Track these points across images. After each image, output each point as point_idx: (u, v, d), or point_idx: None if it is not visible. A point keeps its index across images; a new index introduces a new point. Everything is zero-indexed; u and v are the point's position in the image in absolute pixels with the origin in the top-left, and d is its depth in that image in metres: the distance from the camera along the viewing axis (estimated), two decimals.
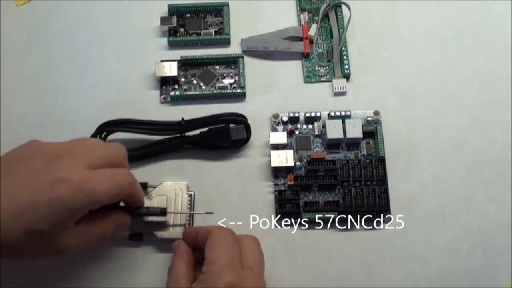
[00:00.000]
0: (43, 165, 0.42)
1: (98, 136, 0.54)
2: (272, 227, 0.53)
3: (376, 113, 0.56)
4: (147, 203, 0.52)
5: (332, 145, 0.55)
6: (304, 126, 0.56)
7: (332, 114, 0.56)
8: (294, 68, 0.59)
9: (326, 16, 0.61)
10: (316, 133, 0.56)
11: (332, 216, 0.52)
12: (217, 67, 0.59)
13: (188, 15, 0.61)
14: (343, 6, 0.60)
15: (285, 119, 0.56)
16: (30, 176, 0.42)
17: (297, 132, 0.56)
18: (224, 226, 0.48)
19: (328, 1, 0.61)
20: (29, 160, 0.43)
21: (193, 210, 0.52)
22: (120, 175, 0.45)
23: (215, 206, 0.53)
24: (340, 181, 0.53)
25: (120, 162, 0.46)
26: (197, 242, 0.47)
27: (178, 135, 0.54)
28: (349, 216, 0.52)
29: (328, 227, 0.53)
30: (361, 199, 0.52)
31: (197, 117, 0.55)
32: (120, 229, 0.49)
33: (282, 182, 0.54)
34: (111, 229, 0.47)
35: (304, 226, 0.53)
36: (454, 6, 0.61)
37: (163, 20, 0.60)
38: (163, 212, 0.50)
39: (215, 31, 0.60)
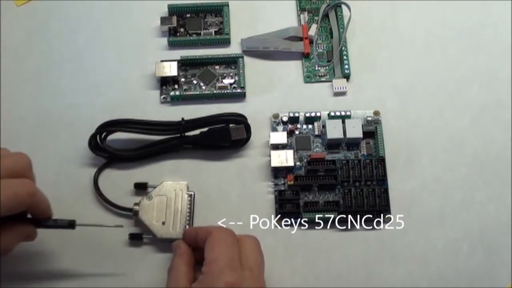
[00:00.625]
0: None
1: (98, 136, 0.54)
2: (272, 227, 0.53)
3: (376, 113, 0.56)
4: (147, 203, 0.52)
5: (332, 145, 0.55)
6: (304, 126, 0.56)
7: (332, 114, 0.56)
8: (294, 68, 0.59)
9: (326, 16, 0.61)
10: (316, 133, 0.56)
11: (332, 216, 0.52)
12: (217, 67, 0.59)
13: (188, 15, 0.61)
14: (343, 6, 0.60)
15: (285, 119, 0.56)
16: None
17: (297, 132, 0.56)
18: (224, 226, 0.48)
19: (328, 1, 0.61)
20: None
21: (193, 210, 0.52)
22: (18, 186, 0.43)
23: (215, 206, 0.53)
24: (340, 181, 0.53)
25: (22, 172, 0.44)
26: (196, 243, 0.47)
27: (178, 135, 0.54)
28: (349, 216, 0.52)
29: (328, 227, 0.53)
30: (361, 199, 0.52)
31: (197, 117, 0.55)
32: (27, 241, 0.47)
33: (282, 182, 0.54)
34: (15, 242, 0.45)
35: (304, 226, 0.53)
36: (454, 6, 0.61)
37: (163, 20, 0.60)
38: (71, 224, 0.48)
39: (215, 31, 0.60)
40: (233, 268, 0.44)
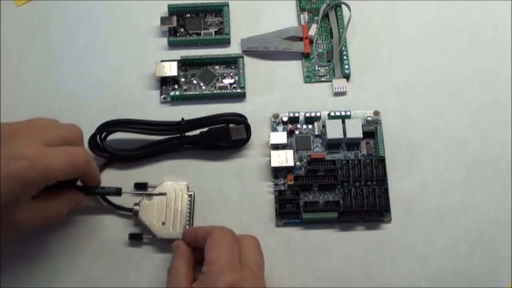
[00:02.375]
0: None
1: (98, 136, 0.54)
2: (272, 227, 0.53)
3: (376, 113, 0.56)
4: (147, 203, 0.52)
5: (332, 145, 0.55)
6: (304, 126, 0.56)
7: (332, 114, 0.56)
8: (294, 68, 0.59)
9: (326, 16, 0.61)
10: (316, 133, 0.56)
11: (332, 216, 0.52)
12: (217, 67, 0.59)
13: (188, 15, 0.61)
14: (343, 6, 0.60)
15: (285, 119, 0.56)
16: None
17: (297, 132, 0.56)
18: (224, 226, 0.48)
19: (328, 1, 0.61)
20: None
21: (193, 211, 0.52)
22: (75, 153, 0.46)
23: (215, 206, 0.53)
24: (340, 181, 0.53)
25: (75, 141, 0.48)
26: (196, 242, 0.47)
27: (178, 135, 0.54)
28: (349, 216, 0.52)
29: (328, 227, 0.53)
30: (361, 199, 0.52)
31: (197, 117, 0.55)
32: (77, 207, 0.50)
33: (282, 182, 0.54)
34: (66, 207, 0.48)
35: (304, 226, 0.53)
36: (454, 6, 0.61)
37: (163, 20, 0.60)
38: (118, 191, 0.51)
39: (215, 31, 0.60)
40: (233, 268, 0.44)
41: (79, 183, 0.50)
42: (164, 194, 0.52)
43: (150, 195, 0.52)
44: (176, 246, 0.48)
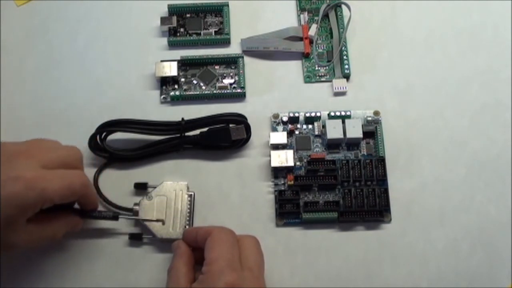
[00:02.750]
0: None
1: (98, 136, 0.54)
2: (272, 227, 0.53)
3: (376, 113, 0.56)
4: (147, 203, 0.52)
5: (332, 145, 0.55)
6: (304, 126, 0.56)
7: (332, 114, 0.56)
8: (294, 68, 0.59)
9: (326, 16, 0.61)
10: (316, 133, 0.56)
11: (332, 216, 0.52)
12: (217, 67, 0.59)
13: (188, 15, 0.61)
14: (343, 6, 0.60)
15: (285, 119, 0.56)
16: None
17: (297, 132, 0.56)
18: (224, 226, 0.48)
19: (328, 1, 0.61)
20: None
21: (193, 211, 0.52)
22: (73, 176, 0.46)
23: (215, 206, 0.53)
24: (340, 181, 0.53)
25: (75, 164, 0.48)
26: (196, 242, 0.47)
27: (178, 135, 0.54)
28: (349, 216, 0.52)
29: (328, 227, 0.53)
30: (361, 199, 0.52)
31: (197, 117, 0.55)
32: (73, 231, 0.50)
33: (282, 182, 0.54)
34: (62, 231, 0.48)
35: (304, 226, 0.53)
36: (454, 6, 0.61)
37: (163, 20, 0.60)
38: (114, 216, 0.50)
39: (215, 31, 0.60)
40: (233, 268, 0.44)
41: (76, 205, 0.50)
42: (163, 195, 0.52)
43: (149, 193, 0.52)
44: (176, 246, 0.48)
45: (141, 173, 0.54)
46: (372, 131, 0.55)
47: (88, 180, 0.48)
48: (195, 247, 0.48)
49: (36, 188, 0.43)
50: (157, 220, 0.51)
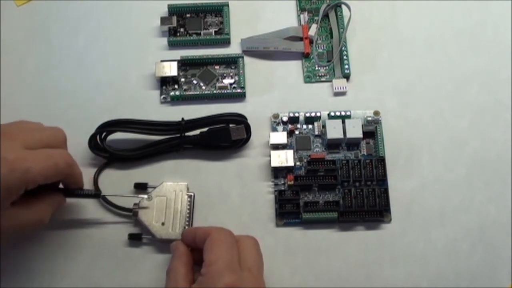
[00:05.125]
0: None
1: (98, 136, 0.54)
2: (272, 227, 0.53)
3: (376, 113, 0.56)
4: (146, 203, 0.52)
5: (332, 145, 0.55)
6: (304, 126, 0.56)
7: (332, 114, 0.56)
8: (294, 68, 0.59)
9: (326, 16, 0.61)
10: (316, 133, 0.56)
11: (332, 216, 0.52)
12: (217, 67, 0.59)
13: (188, 15, 0.61)
14: (343, 6, 0.60)
15: (285, 119, 0.56)
16: None
17: (297, 132, 0.56)
18: (223, 227, 0.48)
19: (328, 1, 0.61)
20: None
21: (193, 212, 0.52)
22: (57, 155, 0.45)
23: (215, 206, 0.53)
24: (340, 181, 0.53)
25: (58, 145, 0.47)
26: (195, 243, 0.47)
27: (178, 135, 0.54)
28: (349, 216, 0.52)
29: (328, 227, 0.53)
30: (361, 199, 0.52)
31: (197, 117, 0.55)
32: (58, 212, 0.49)
33: (282, 182, 0.54)
34: (48, 212, 0.47)
35: (304, 226, 0.53)
36: (454, 6, 0.61)
37: (163, 20, 0.60)
38: (97, 194, 0.51)
39: (215, 31, 0.60)
40: (232, 269, 0.43)
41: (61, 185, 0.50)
42: (162, 196, 0.52)
43: (149, 194, 0.52)
44: (175, 247, 0.48)
45: (141, 173, 0.54)
46: (372, 131, 0.55)
47: (73, 159, 0.47)
48: (194, 248, 0.48)
49: (19, 169, 0.42)
50: (156, 222, 0.51)
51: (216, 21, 0.60)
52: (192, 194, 0.53)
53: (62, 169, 0.46)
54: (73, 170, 0.48)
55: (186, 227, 0.51)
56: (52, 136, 0.47)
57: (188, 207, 0.52)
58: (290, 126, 0.56)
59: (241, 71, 0.58)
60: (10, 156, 0.42)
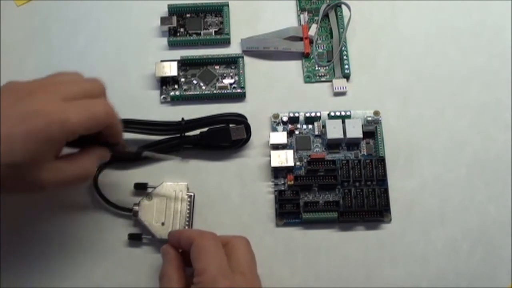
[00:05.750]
0: (16, 99, 0.42)
1: None
2: (272, 227, 0.53)
3: (376, 113, 0.56)
4: (146, 203, 0.52)
5: (332, 145, 0.55)
6: (304, 126, 0.56)
7: (332, 114, 0.56)
8: (294, 68, 0.59)
9: (326, 16, 0.61)
10: (316, 133, 0.56)
11: (332, 216, 0.52)
12: (217, 67, 0.59)
13: (188, 15, 0.61)
14: (343, 6, 0.60)
15: (285, 119, 0.56)
16: (3, 111, 0.41)
17: (297, 132, 0.56)
18: (204, 230, 0.48)
19: (328, 1, 0.61)
20: (3, 97, 0.42)
21: (193, 212, 0.52)
22: (96, 105, 0.44)
23: (215, 206, 0.53)
24: (340, 181, 0.53)
25: (97, 96, 0.46)
26: (181, 247, 0.47)
27: (178, 135, 0.54)
28: (349, 216, 0.52)
29: (328, 227, 0.53)
30: (361, 199, 0.52)
31: (197, 117, 0.55)
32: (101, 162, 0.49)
33: (282, 182, 0.54)
34: (93, 165, 0.46)
35: (304, 226, 0.53)
36: (454, 6, 0.61)
37: (163, 20, 0.60)
38: (138, 153, 0.50)
39: (215, 31, 0.60)
40: (224, 275, 0.43)
41: None
42: (162, 196, 0.52)
43: (149, 194, 0.52)
44: (166, 251, 0.47)
45: (141, 173, 0.54)
46: (372, 131, 0.55)
47: (112, 109, 0.46)
48: (183, 250, 0.47)
49: (57, 121, 0.41)
50: (156, 222, 0.51)
51: (216, 21, 0.60)
52: (192, 194, 0.53)
53: (102, 120, 0.44)
54: (113, 121, 0.46)
55: (186, 227, 0.51)
56: (91, 87, 0.46)
57: (188, 207, 0.52)
58: (290, 126, 0.56)
59: (241, 71, 0.58)
60: (48, 108, 0.41)
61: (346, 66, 0.58)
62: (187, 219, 0.52)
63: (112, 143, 0.48)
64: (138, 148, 0.51)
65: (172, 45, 0.60)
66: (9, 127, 0.41)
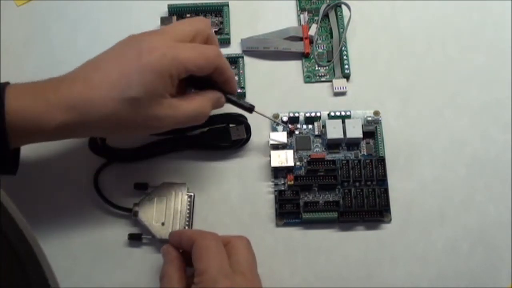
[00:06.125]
0: (131, 42, 0.46)
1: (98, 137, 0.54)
2: (272, 227, 0.53)
3: (376, 113, 0.56)
4: (146, 203, 0.52)
5: (332, 145, 0.55)
6: (304, 126, 0.56)
7: (332, 114, 0.56)
8: (294, 68, 0.59)
9: (326, 16, 0.61)
10: (316, 133, 0.56)
11: (332, 216, 0.52)
12: None
13: (188, 15, 0.61)
14: (343, 6, 0.60)
15: (285, 119, 0.56)
16: (119, 53, 0.46)
17: (297, 132, 0.56)
18: (205, 231, 0.48)
19: (328, 1, 0.61)
20: (120, 43, 0.47)
21: (193, 212, 0.52)
22: (206, 47, 0.47)
23: (215, 206, 0.53)
24: (340, 181, 0.53)
25: (205, 29, 0.48)
26: (182, 247, 0.47)
27: (178, 135, 0.54)
28: (349, 216, 0.52)
29: (328, 227, 0.53)
30: (361, 199, 0.52)
31: None
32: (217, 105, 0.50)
33: (282, 182, 0.54)
34: (208, 107, 0.48)
35: (304, 226, 0.53)
36: (454, 6, 0.61)
37: (163, 20, 0.60)
38: (250, 108, 0.52)
39: (215, 31, 0.60)
40: (225, 275, 0.43)
41: None
42: (162, 196, 0.52)
43: (149, 194, 0.52)
44: (166, 252, 0.48)
45: (141, 173, 0.54)
46: (372, 131, 0.55)
47: (221, 53, 0.48)
48: (184, 250, 0.47)
49: (169, 54, 0.44)
50: (156, 222, 0.51)
51: (216, 21, 0.60)
52: (192, 194, 0.53)
53: (212, 60, 0.47)
54: (222, 62, 0.48)
55: (186, 227, 0.51)
56: (200, 26, 0.48)
57: (188, 207, 0.52)
58: (290, 126, 0.56)
59: (241, 71, 0.58)
60: (160, 44, 0.45)
61: (346, 66, 0.58)
62: (187, 219, 0.52)
63: (226, 91, 0.50)
64: (250, 104, 0.52)
65: None
66: (125, 65, 0.44)
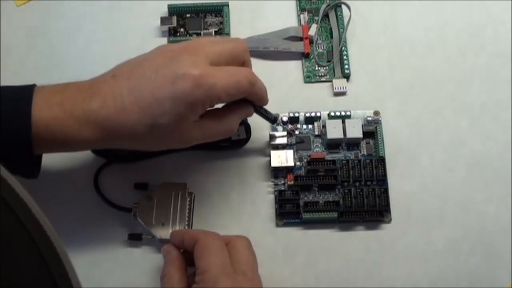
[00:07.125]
0: (164, 61, 0.44)
1: None
2: (272, 227, 0.53)
3: (376, 113, 0.56)
4: (146, 203, 0.52)
5: (332, 145, 0.55)
6: (304, 126, 0.56)
7: (332, 114, 0.56)
8: (294, 68, 0.59)
9: (326, 16, 0.61)
10: (316, 133, 0.56)
11: (332, 216, 0.52)
12: None
13: (188, 15, 0.61)
14: (343, 6, 0.60)
15: (285, 119, 0.56)
16: (152, 73, 0.44)
17: (297, 132, 0.56)
18: (208, 230, 0.48)
19: (328, 1, 0.61)
20: (152, 59, 0.45)
21: (193, 212, 0.52)
22: (240, 74, 0.46)
23: (215, 206, 0.53)
24: (340, 181, 0.53)
25: (241, 55, 0.47)
26: (184, 247, 0.47)
27: None
28: (349, 216, 0.52)
29: (328, 227, 0.53)
30: (361, 199, 0.52)
31: None
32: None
33: (282, 182, 0.54)
34: (237, 122, 0.48)
35: (304, 226, 0.53)
36: (454, 6, 0.61)
37: (163, 20, 0.60)
38: (274, 119, 0.52)
39: (215, 31, 0.60)
40: (226, 274, 0.43)
41: None
42: (162, 196, 0.52)
43: (149, 194, 0.52)
44: (167, 252, 0.47)
45: (141, 173, 0.54)
46: (372, 131, 0.55)
47: (256, 77, 0.47)
48: (185, 249, 0.47)
49: (203, 85, 0.43)
50: (156, 222, 0.51)
51: (216, 21, 0.60)
52: (192, 194, 0.53)
53: (245, 88, 0.46)
54: (255, 89, 0.47)
55: (186, 227, 0.51)
56: (234, 48, 0.47)
57: (188, 207, 0.52)
58: (290, 126, 0.56)
59: None
60: (194, 71, 0.43)
61: (346, 66, 0.58)
62: (187, 219, 0.52)
63: (257, 104, 0.49)
64: (275, 116, 0.53)
65: None
66: (158, 90, 0.43)
